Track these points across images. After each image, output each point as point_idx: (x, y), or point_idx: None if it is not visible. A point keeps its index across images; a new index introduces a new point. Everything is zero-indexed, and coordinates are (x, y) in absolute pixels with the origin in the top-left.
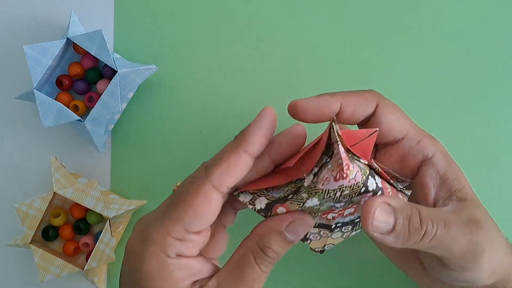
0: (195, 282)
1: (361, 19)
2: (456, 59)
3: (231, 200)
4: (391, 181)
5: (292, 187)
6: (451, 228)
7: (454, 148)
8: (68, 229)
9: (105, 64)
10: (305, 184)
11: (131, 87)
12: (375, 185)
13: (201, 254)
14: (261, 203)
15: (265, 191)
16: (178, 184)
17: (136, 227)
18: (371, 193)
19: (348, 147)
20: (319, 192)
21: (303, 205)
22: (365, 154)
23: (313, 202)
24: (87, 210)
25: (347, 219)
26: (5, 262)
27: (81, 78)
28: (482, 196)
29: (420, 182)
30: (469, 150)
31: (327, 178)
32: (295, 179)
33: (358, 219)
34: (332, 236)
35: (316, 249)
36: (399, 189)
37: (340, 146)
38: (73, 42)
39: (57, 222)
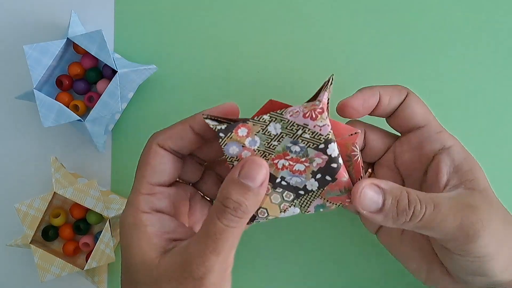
0: (171, 241)
1: (362, 18)
2: (462, 60)
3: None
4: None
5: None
6: (442, 210)
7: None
8: (68, 229)
9: (105, 64)
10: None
11: (131, 87)
12: (336, 153)
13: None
14: (223, 124)
15: (225, 121)
16: None
17: None
18: (327, 158)
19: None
20: (284, 120)
21: (265, 128)
22: (341, 150)
23: (275, 128)
24: (87, 210)
25: (293, 180)
26: (5, 262)
27: (81, 78)
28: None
29: (434, 167)
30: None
31: (297, 111)
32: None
33: (303, 192)
34: (272, 197)
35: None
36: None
37: (326, 94)
38: (73, 42)
39: (57, 222)
